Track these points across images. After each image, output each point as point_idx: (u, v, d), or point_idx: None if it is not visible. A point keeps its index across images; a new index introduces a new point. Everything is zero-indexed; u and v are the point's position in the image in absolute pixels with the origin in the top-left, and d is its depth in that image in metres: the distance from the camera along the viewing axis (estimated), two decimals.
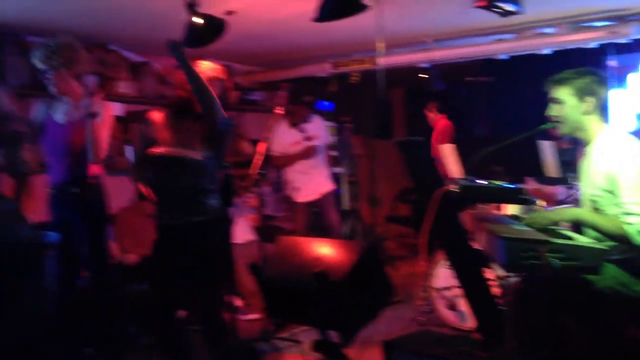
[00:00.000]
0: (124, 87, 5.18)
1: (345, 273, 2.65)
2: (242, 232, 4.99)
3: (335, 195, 5.61)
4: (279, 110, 3.95)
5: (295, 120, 5.30)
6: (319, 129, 5.44)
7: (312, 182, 5.35)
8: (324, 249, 2.88)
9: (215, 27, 3.34)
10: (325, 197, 5.41)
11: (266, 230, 5.35)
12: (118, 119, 5.24)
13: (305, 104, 5.36)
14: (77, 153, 3.39)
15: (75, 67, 3.41)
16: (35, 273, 1.36)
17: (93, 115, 3.28)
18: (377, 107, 5.87)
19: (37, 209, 3.65)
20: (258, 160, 4.07)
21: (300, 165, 5.32)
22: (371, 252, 2.82)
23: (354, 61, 5.51)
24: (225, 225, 3.14)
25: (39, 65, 3.36)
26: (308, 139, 5.30)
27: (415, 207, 7.02)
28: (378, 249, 2.92)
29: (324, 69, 5.74)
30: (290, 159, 5.33)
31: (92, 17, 4.20)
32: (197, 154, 3.06)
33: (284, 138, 5.26)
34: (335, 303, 2.64)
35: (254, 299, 4.54)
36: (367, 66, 5.42)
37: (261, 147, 4.19)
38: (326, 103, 6.65)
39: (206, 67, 3.19)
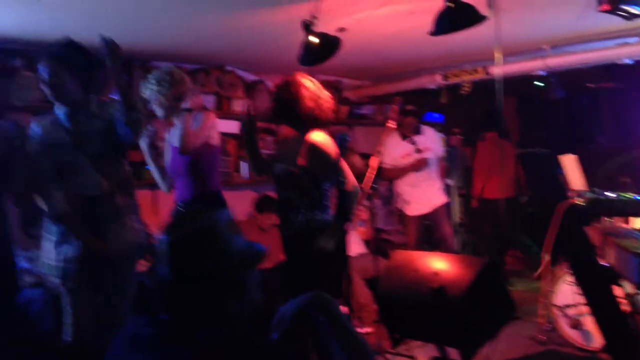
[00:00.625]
0: (239, 105, 5.40)
1: (465, 289, 2.60)
2: (353, 245, 5.03)
3: (448, 208, 5.52)
4: (391, 124, 3.94)
5: (406, 132, 5.28)
6: (431, 141, 5.38)
7: (423, 195, 5.28)
8: (442, 264, 2.84)
9: (330, 45, 3.41)
10: (437, 211, 5.33)
11: (377, 244, 5.35)
12: (234, 136, 5.49)
13: (415, 116, 5.33)
14: (193, 172, 3.59)
15: (177, 91, 3.59)
16: (245, 282, 1.50)
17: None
18: (490, 117, 5.72)
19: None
20: (370, 173, 4.08)
21: (410, 178, 5.28)
22: (491, 267, 2.75)
23: (466, 71, 5.41)
24: (311, 239, 3.12)
25: (146, 93, 3.59)
26: (419, 151, 5.26)
27: (532, 220, 6.76)
28: (498, 264, 2.83)
29: (434, 81, 5.68)
30: (400, 172, 5.31)
31: (212, 41, 4.43)
32: (293, 168, 3.14)
33: (395, 150, 5.25)
34: (455, 319, 2.60)
35: (365, 313, 4.54)
36: (479, 76, 5.31)
37: (373, 161, 4.20)
38: (436, 115, 6.58)
39: (310, 83, 3.25)
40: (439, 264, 2.86)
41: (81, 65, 2.83)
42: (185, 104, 3.53)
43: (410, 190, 5.30)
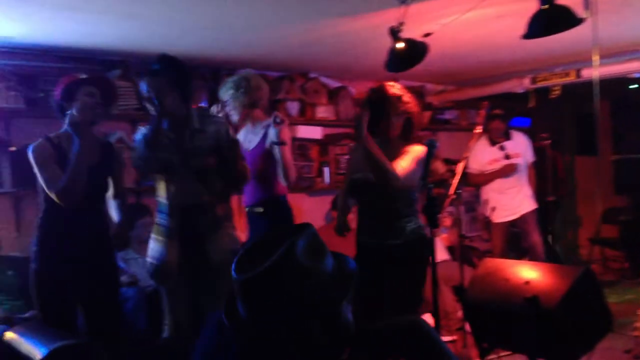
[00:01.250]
0: (322, 111, 5.46)
1: (559, 299, 2.52)
2: (438, 252, 4.97)
3: (536, 213, 5.35)
4: (478, 129, 3.88)
5: (495, 137, 5.16)
6: (520, 147, 5.24)
7: (510, 202, 5.15)
8: (533, 273, 2.77)
9: (417, 51, 3.39)
10: (525, 218, 5.17)
11: (461, 251, 5.26)
12: (317, 142, 5.55)
13: (503, 119, 5.21)
14: (262, 176, 3.65)
15: (253, 96, 3.66)
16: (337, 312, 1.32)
17: (282, 142, 3.51)
18: (581, 121, 5.52)
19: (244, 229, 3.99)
20: (455, 179, 4.03)
21: (498, 184, 5.16)
22: (587, 277, 2.65)
23: (555, 75, 5.23)
24: (422, 248, 3.07)
25: (224, 97, 3.68)
26: (508, 157, 5.13)
27: (625, 228, 6.45)
28: (594, 274, 2.72)
29: (522, 85, 5.53)
30: (487, 178, 5.20)
31: (297, 49, 4.50)
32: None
33: (483, 156, 5.14)
34: (548, 330, 2.52)
35: (449, 321, 4.47)
36: (570, 79, 5.12)
37: (458, 167, 4.14)
38: (522, 119, 6.40)
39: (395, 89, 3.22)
40: (530, 273, 2.78)
41: (179, 80, 2.95)
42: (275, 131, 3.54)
43: (497, 197, 5.18)
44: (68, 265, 3.00)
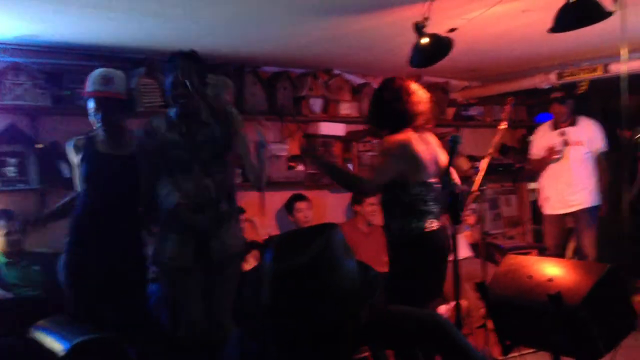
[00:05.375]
0: (345, 108, 5.45)
1: (584, 296, 2.49)
2: (461, 249, 4.93)
3: (593, 211, 4.90)
4: (503, 125, 3.83)
5: (558, 122, 4.87)
6: (586, 134, 4.88)
7: (564, 194, 4.84)
8: (557, 270, 2.73)
9: (442, 46, 3.36)
10: (578, 215, 4.82)
11: (484, 248, 5.22)
12: (340, 138, 5.55)
13: (564, 103, 4.84)
14: None
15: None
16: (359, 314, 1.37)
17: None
18: (608, 117, 5.40)
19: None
20: (478, 176, 3.99)
21: (553, 173, 4.87)
22: (613, 274, 2.60)
23: (583, 70, 5.14)
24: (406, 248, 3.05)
25: None
26: (567, 143, 4.89)
27: None
28: (622, 271, 2.67)
29: (547, 80, 5.45)
30: (535, 165, 4.98)
31: (320, 45, 4.50)
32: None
33: (541, 141, 4.92)
34: (572, 328, 2.49)
35: (471, 318, 4.44)
36: (598, 74, 5.03)
37: (482, 163, 4.09)
38: (548, 115, 6.31)
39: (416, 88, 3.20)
40: (554, 269, 2.75)
41: (199, 74, 2.99)
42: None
43: (550, 186, 4.89)
44: (99, 259, 3.06)
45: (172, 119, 3.05)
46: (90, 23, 3.67)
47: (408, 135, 3.03)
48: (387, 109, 3.08)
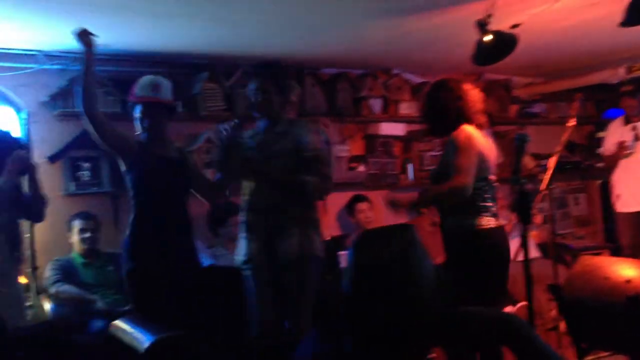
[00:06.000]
0: (405, 107, 5.42)
1: None
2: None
3: None
4: (572, 122, 3.73)
5: (630, 116, 4.74)
6: None
7: (637, 190, 4.67)
8: (635, 271, 2.64)
9: (506, 43, 3.30)
10: None
11: (553, 248, 5.08)
12: (400, 138, 5.51)
13: (637, 97, 4.72)
14: None
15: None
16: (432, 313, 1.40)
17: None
18: None
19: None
20: (546, 175, 3.89)
21: (626, 169, 4.72)
22: None
23: None
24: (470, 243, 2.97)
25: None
26: (637, 138, 4.71)
27: None
28: None
29: (616, 75, 5.25)
30: (611, 160, 4.83)
31: (380, 46, 4.49)
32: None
33: (613, 136, 4.78)
34: None
35: (542, 320, 4.33)
36: None
37: (550, 161, 3.99)
38: (617, 111, 6.09)
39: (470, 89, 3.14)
40: (631, 271, 2.65)
41: (282, 84, 3.04)
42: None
43: (623, 183, 4.74)
44: (158, 262, 3.13)
45: (256, 126, 3.12)
46: (156, 31, 3.79)
47: (471, 130, 3.01)
48: (445, 110, 3.04)
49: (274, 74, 3.05)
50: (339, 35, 4.17)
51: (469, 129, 2.97)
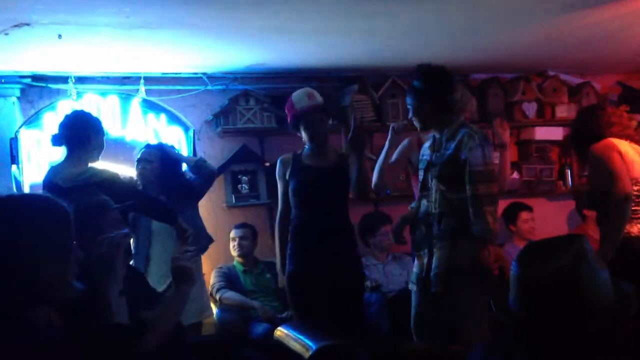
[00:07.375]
0: (562, 110, 5.14)
1: None
2: None
3: None
4: None
5: None
6: None
7: None
8: None
9: None
10: None
11: None
12: (557, 143, 5.22)
13: None
14: None
15: None
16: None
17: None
18: None
19: None
20: None
21: None
22: None
23: None
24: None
25: None
26: None
27: None
28: None
29: None
30: None
31: (533, 48, 4.31)
32: None
33: None
34: None
35: None
36: None
37: None
38: None
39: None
40: None
41: (434, 90, 2.93)
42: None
43: None
44: (318, 268, 3.22)
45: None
46: (308, 48, 3.93)
47: (610, 140, 3.13)
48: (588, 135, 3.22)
49: (424, 81, 2.96)
50: (493, 40, 4.05)
51: (605, 142, 3.11)
